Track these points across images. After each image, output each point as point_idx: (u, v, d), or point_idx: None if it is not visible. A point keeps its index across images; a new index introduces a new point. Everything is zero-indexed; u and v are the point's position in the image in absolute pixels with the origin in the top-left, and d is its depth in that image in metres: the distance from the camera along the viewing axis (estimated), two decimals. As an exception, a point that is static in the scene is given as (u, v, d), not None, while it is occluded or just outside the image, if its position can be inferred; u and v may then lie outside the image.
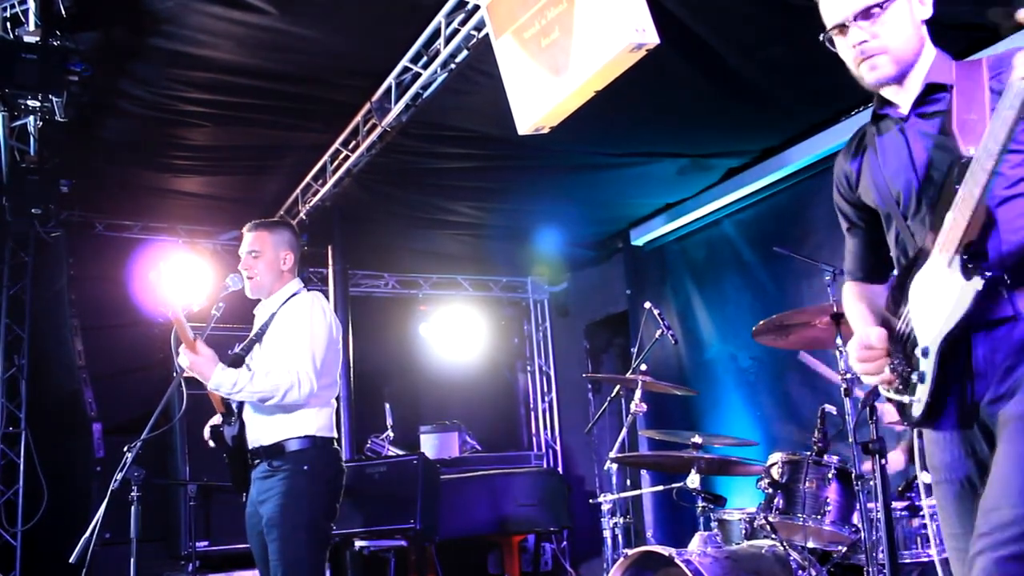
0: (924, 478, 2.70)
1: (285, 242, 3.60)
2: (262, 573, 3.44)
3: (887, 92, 1.98)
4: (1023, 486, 1.61)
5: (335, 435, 3.50)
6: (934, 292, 1.80)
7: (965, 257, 1.72)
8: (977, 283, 1.69)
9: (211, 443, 3.57)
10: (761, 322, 3.82)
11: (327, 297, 6.49)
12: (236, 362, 3.47)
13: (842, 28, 1.90)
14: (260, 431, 3.40)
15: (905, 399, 1.87)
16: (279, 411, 3.35)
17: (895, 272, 2.01)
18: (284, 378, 3.27)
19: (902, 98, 1.96)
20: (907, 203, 1.93)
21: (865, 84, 1.96)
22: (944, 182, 1.80)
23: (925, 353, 1.82)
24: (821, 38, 1.96)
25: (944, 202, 1.77)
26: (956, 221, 1.73)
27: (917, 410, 1.83)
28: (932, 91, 1.92)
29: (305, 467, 3.29)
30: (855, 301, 2.15)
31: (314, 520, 3.29)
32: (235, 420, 3.47)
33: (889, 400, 1.95)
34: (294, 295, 3.55)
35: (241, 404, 3.48)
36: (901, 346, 1.90)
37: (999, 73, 1.81)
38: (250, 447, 3.43)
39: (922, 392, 1.82)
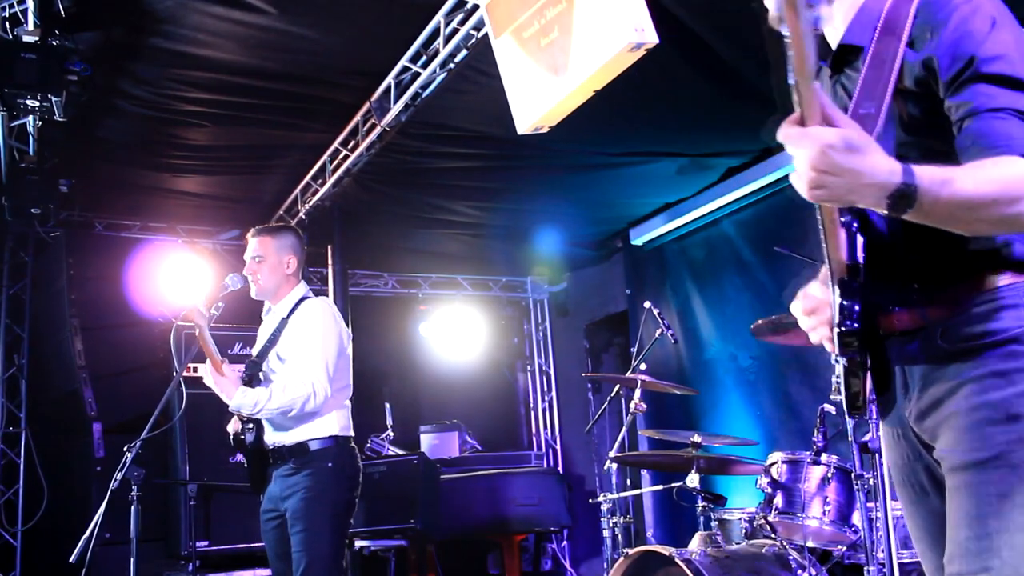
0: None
1: (288, 246, 3.66)
2: (276, 569, 3.50)
3: (827, 33, 1.66)
4: (967, 545, 1.46)
5: (352, 434, 3.60)
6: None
7: (842, 298, 1.52)
8: (836, 337, 1.52)
9: (238, 453, 3.60)
10: (760, 320, 3.80)
11: (328, 297, 6.49)
12: (253, 370, 3.56)
13: None
14: (282, 433, 3.49)
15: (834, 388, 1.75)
16: (300, 416, 3.45)
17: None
18: (301, 391, 3.39)
19: (831, 46, 1.65)
20: None
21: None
22: None
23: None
24: None
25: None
26: (825, 249, 1.53)
27: (845, 406, 1.66)
28: (847, 51, 1.60)
29: (329, 464, 3.42)
30: None
31: (337, 515, 3.40)
32: (253, 425, 3.53)
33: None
34: (303, 299, 3.62)
35: None
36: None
37: (923, 33, 1.48)
38: (271, 447, 3.50)
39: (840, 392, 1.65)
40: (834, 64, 1.64)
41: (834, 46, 1.64)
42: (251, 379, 3.53)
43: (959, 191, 1.33)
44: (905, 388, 1.61)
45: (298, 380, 3.41)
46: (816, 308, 1.69)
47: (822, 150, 1.29)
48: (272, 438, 3.50)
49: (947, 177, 1.33)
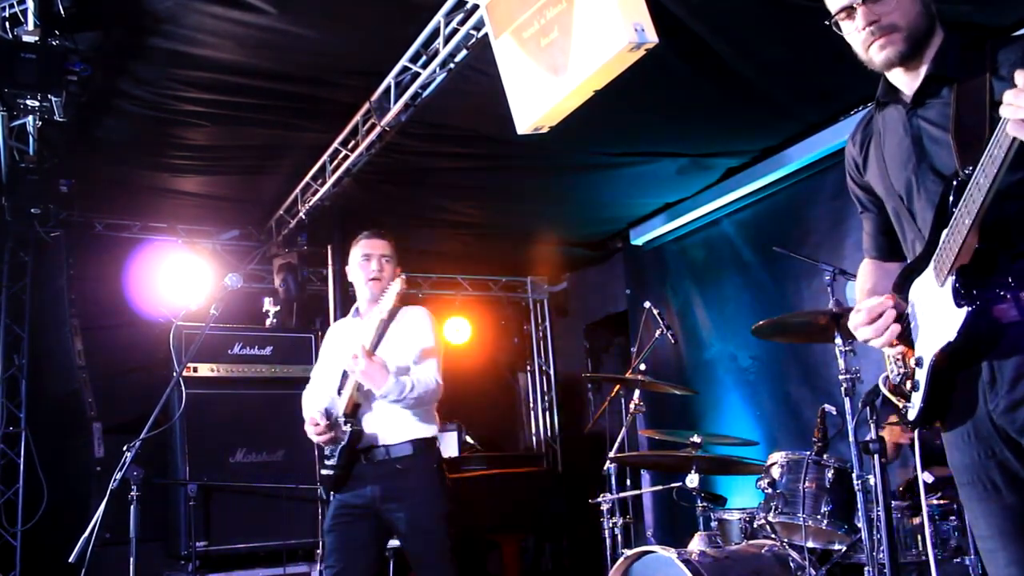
0: (926, 477, 2.71)
1: (398, 257, 3.81)
2: (335, 565, 3.46)
3: (894, 77, 1.93)
4: None
5: None
6: (930, 305, 1.78)
7: (957, 283, 1.70)
8: (962, 313, 1.67)
9: (314, 431, 3.57)
10: (762, 321, 3.81)
11: (327, 297, 6.50)
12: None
13: (850, 11, 1.87)
14: (388, 432, 3.56)
15: (900, 402, 1.86)
16: (409, 415, 3.55)
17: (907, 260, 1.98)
18: (431, 385, 3.55)
19: (908, 84, 1.90)
20: (910, 203, 1.89)
21: (875, 65, 1.90)
22: (942, 195, 1.76)
23: (919, 363, 1.80)
24: (828, 22, 1.92)
25: (939, 218, 1.75)
26: (949, 244, 1.70)
27: (912, 414, 1.83)
28: (933, 82, 1.85)
29: (435, 464, 3.57)
30: (869, 274, 2.12)
31: (452, 512, 3.53)
32: (353, 422, 3.57)
33: (887, 400, 1.94)
34: (396, 306, 3.68)
35: (365, 409, 3.59)
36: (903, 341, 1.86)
37: (1007, 62, 1.75)
38: (377, 444, 3.55)
39: (916, 399, 1.81)
40: (916, 97, 1.87)
41: (915, 79, 1.88)
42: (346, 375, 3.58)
43: None
44: (992, 382, 1.72)
45: (427, 375, 3.55)
46: (883, 308, 1.83)
47: None
48: (379, 435, 3.55)
49: None
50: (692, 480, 3.77)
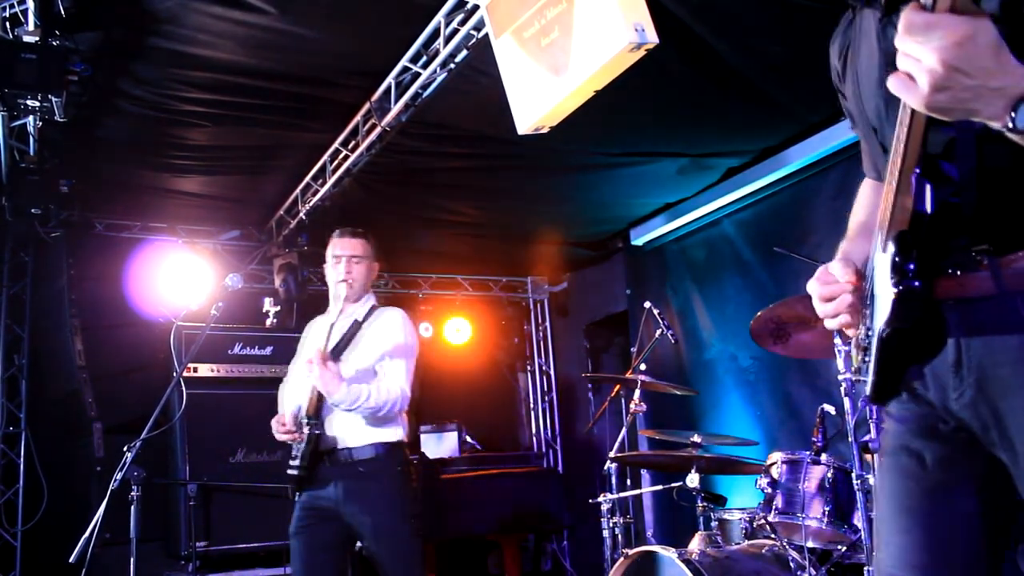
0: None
1: (375, 252, 3.77)
2: (299, 568, 3.49)
3: None
4: None
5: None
6: (879, 273, 1.46)
7: (895, 253, 1.37)
8: (891, 292, 1.37)
9: (280, 432, 3.58)
10: (753, 321, 3.76)
11: (327, 298, 6.48)
12: None
13: None
14: (350, 435, 3.53)
15: (858, 375, 1.56)
16: (373, 418, 3.51)
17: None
18: (393, 394, 3.48)
19: None
20: (882, 136, 1.58)
21: None
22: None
23: (868, 336, 1.49)
24: None
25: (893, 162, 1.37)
26: (886, 200, 1.37)
27: (867, 389, 1.50)
28: None
29: (399, 468, 3.52)
30: (864, 204, 1.84)
31: (415, 514, 3.51)
32: (319, 424, 3.55)
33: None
34: (374, 306, 3.70)
35: (328, 411, 3.56)
36: (864, 306, 1.53)
37: None
38: (338, 447, 3.52)
39: (869, 374, 1.49)
40: (890, 2, 1.48)
41: None
42: None
43: None
44: (956, 365, 1.42)
45: (391, 383, 3.50)
46: (837, 292, 1.54)
47: (959, 42, 1.10)
48: (341, 438, 3.52)
49: None
50: (692, 480, 3.77)
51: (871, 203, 1.77)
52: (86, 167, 5.40)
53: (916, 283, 1.34)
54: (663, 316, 4.61)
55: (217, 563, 5.52)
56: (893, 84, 1.17)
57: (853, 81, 1.64)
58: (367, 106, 4.88)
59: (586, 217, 6.81)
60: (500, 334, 8.47)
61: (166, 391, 3.50)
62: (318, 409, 3.54)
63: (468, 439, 7.05)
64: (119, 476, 3.17)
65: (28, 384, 5.99)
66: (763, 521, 3.60)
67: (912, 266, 1.34)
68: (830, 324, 1.57)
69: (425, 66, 4.43)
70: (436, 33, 4.26)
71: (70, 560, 3.03)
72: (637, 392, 4.42)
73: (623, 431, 4.47)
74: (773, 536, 3.60)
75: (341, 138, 5.30)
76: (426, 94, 4.54)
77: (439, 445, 6.78)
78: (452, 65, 4.31)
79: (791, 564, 3.47)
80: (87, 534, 3.04)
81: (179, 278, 6.37)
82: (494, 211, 6.53)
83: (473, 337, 8.19)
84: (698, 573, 3.29)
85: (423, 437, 6.82)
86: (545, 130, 3.58)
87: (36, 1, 3.83)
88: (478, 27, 4.00)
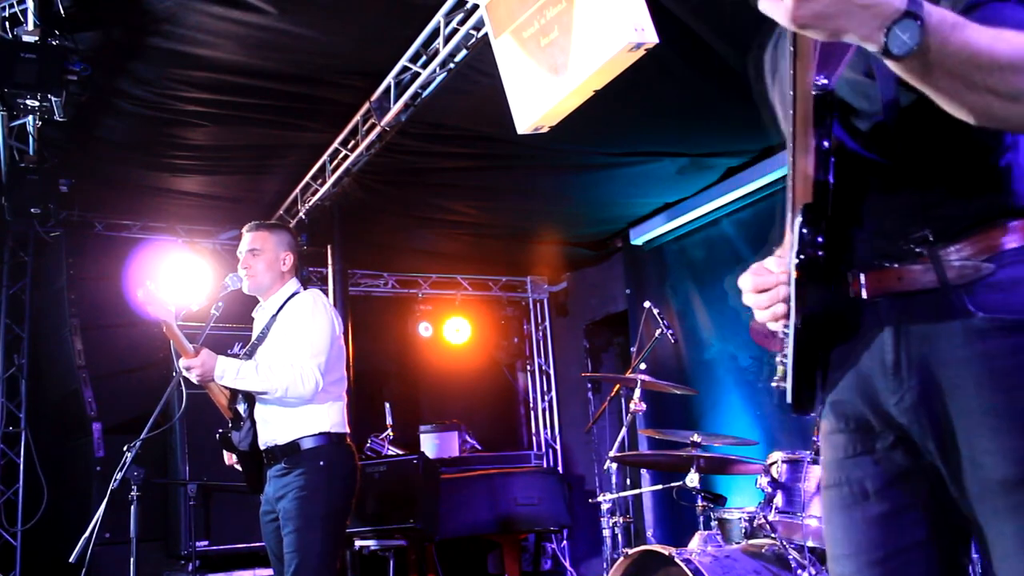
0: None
1: (285, 243, 3.65)
2: (276, 571, 3.48)
3: None
4: None
5: (348, 431, 3.53)
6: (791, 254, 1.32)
7: (801, 224, 1.24)
8: (793, 270, 1.25)
9: (225, 452, 3.58)
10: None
11: (327, 297, 6.49)
12: None
13: None
14: (274, 431, 3.44)
15: (782, 380, 1.36)
16: (292, 410, 3.40)
17: None
18: (286, 373, 3.32)
19: None
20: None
21: None
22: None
23: (786, 334, 1.34)
24: None
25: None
26: (789, 165, 1.25)
27: (787, 396, 1.33)
28: None
29: (321, 463, 3.36)
30: None
31: (329, 514, 3.34)
32: (244, 423, 3.50)
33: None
34: (293, 295, 3.59)
35: (251, 407, 3.51)
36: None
37: None
38: (264, 447, 3.46)
39: (787, 378, 1.33)
40: None
41: None
42: None
43: (972, 41, 1.09)
44: (895, 367, 1.27)
45: (284, 364, 3.36)
46: (771, 283, 1.40)
47: None
48: (265, 438, 3.46)
49: (959, 21, 1.10)
50: (692, 479, 3.77)
51: None
52: (85, 167, 5.40)
53: (820, 253, 1.22)
54: (663, 316, 4.61)
55: (217, 563, 5.52)
56: (762, 3, 1.09)
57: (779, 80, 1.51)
58: (367, 106, 4.88)
59: (586, 217, 6.81)
60: (500, 334, 8.47)
61: (166, 391, 3.50)
62: (236, 415, 3.51)
63: (468, 439, 7.04)
64: (119, 476, 3.17)
65: (28, 384, 6.00)
66: (763, 521, 3.60)
67: (820, 239, 1.22)
68: (761, 316, 1.43)
69: (425, 66, 4.43)
70: (436, 33, 4.26)
71: (70, 560, 3.03)
72: (637, 392, 4.42)
73: (623, 431, 4.46)
74: (773, 535, 3.59)
75: (341, 138, 5.30)
76: (426, 94, 4.54)
77: (439, 445, 6.77)
78: (452, 65, 4.31)
79: (791, 563, 3.47)
80: (87, 534, 3.04)
81: (179, 278, 6.37)
82: (494, 211, 6.54)
83: (473, 337, 8.19)
84: (698, 573, 3.29)
85: (423, 437, 6.81)
86: (545, 130, 3.58)
87: (36, 1, 3.84)
88: (478, 27, 4.00)
